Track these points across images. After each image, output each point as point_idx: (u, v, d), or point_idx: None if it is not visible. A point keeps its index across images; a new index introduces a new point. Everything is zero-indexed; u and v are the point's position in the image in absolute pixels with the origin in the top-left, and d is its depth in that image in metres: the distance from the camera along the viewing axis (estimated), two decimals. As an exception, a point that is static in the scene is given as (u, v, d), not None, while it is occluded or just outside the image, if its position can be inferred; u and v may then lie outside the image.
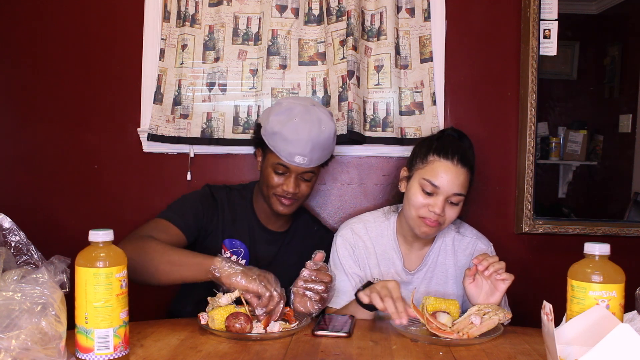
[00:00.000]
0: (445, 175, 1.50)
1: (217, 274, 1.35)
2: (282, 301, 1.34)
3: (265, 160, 1.67)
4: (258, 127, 1.70)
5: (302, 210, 1.83)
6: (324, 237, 1.82)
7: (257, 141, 1.70)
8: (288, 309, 1.40)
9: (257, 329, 1.30)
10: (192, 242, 1.67)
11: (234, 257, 1.71)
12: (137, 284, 1.37)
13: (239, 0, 2.03)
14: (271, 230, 1.77)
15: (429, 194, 1.51)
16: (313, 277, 1.43)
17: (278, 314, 1.33)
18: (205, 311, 1.37)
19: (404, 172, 1.64)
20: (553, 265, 1.85)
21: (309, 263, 1.45)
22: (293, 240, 1.79)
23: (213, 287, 1.41)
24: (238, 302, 1.37)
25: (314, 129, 1.59)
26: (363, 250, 1.65)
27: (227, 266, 1.35)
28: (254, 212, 1.76)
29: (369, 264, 1.65)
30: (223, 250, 1.71)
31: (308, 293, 1.43)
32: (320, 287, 1.42)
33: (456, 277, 1.64)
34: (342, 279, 1.62)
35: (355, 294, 1.43)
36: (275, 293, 1.33)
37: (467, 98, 2.06)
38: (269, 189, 1.66)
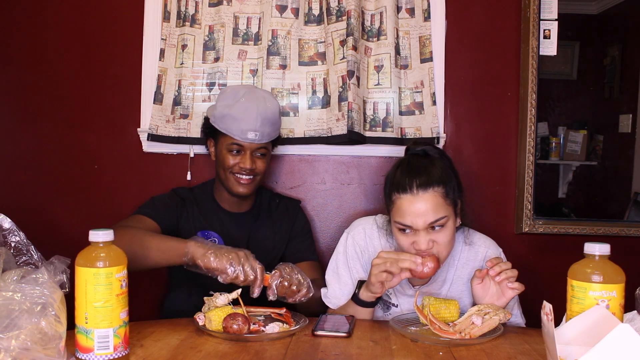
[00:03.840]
0: (411, 209, 1.38)
1: (190, 257, 1.37)
2: (258, 273, 1.36)
3: (218, 146, 1.74)
4: (206, 120, 1.77)
5: (262, 189, 1.88)
6: (289, 207, 1.89)
7: (207, 132, 1.77)
8: (284, 310, 1.39)
9: (272, 327, 1.30)
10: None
11: None
12: None
13: (239, 0, 2.03)
14: (237, 213, 1.81)
15: (407, 232, 1.42)
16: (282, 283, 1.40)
17: (257, 287, 1.36)
18: (201, 311, 1.37)
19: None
20: (553, 265, 1.85)
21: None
22: (261, 215, 1.84)
23: (199, 285, 1.42)
24: (235, 302, 1.36)
25: (261, 105, 1.67)
26: (373, 255, 1.54)
27: (200, 248, 1.38)
28: (217, 202, 1.82)
29: None
30: None
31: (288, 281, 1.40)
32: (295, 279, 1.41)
33: (470, 288, 1.51)
34: (347, 283, 1.57)
35: (356, 296, 1.42)
36: (247, 269, 1.34)
37: (467, 98, 2.06)
38: (225, 170, 1.71)
